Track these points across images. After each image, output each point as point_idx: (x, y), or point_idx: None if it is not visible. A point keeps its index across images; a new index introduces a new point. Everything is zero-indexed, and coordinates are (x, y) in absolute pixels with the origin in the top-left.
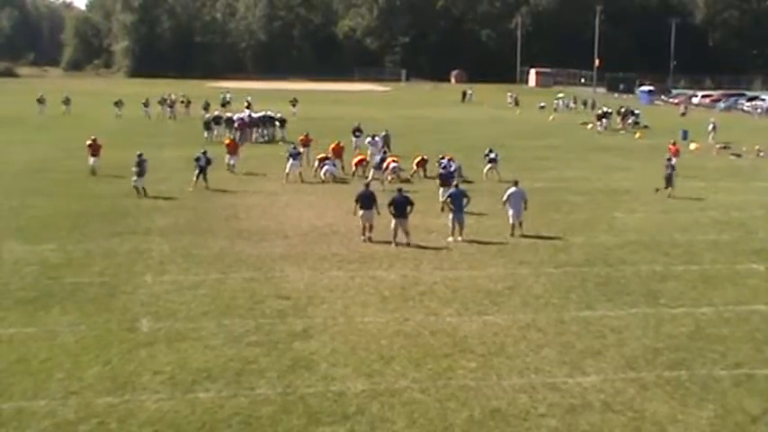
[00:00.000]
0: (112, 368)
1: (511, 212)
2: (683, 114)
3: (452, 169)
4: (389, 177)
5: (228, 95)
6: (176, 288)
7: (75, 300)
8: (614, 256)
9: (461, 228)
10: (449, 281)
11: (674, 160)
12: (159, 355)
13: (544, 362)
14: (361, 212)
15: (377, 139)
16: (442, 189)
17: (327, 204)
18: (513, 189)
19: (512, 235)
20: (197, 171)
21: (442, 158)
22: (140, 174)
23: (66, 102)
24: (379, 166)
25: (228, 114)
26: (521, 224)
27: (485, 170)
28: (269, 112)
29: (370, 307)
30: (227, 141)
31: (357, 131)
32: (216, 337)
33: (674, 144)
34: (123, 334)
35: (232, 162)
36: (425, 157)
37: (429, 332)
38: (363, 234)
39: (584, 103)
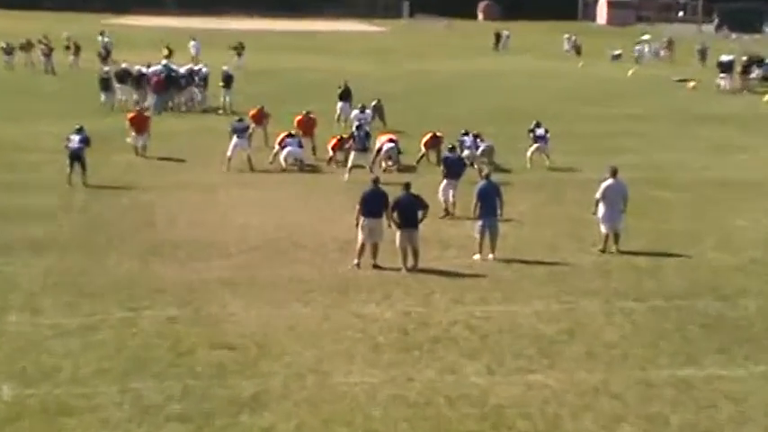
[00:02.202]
0: None
1: (603, 217)
2: None
3: (465, 154)
4: (384, 164)
5: (107, 39)
6: (57, 333)
7: None
8: (730, 285)
9: (494, 240)
10: (475, 320)
11: None
12: None
13: None
14: (364, 221)
15: (367, 111)
16: (445, 182)
17: (289, 204)
18: (610, 181)
19: (602, 251)
20: (69, 159)
21: (465, 135)
22: None
23: None
24: (364, 148)
25: (138, 67)
26: (617, 236)
27: (529, 153)
28: (201, 67)
29: (355, 360)
30: (130, 115)
31: (345, 95)
32: (119, 408)
33: None
34: None
35: (140, 143)
36: (438, 133)
37: (445, 399)
38: (359, 256)
39: (700, 53)
